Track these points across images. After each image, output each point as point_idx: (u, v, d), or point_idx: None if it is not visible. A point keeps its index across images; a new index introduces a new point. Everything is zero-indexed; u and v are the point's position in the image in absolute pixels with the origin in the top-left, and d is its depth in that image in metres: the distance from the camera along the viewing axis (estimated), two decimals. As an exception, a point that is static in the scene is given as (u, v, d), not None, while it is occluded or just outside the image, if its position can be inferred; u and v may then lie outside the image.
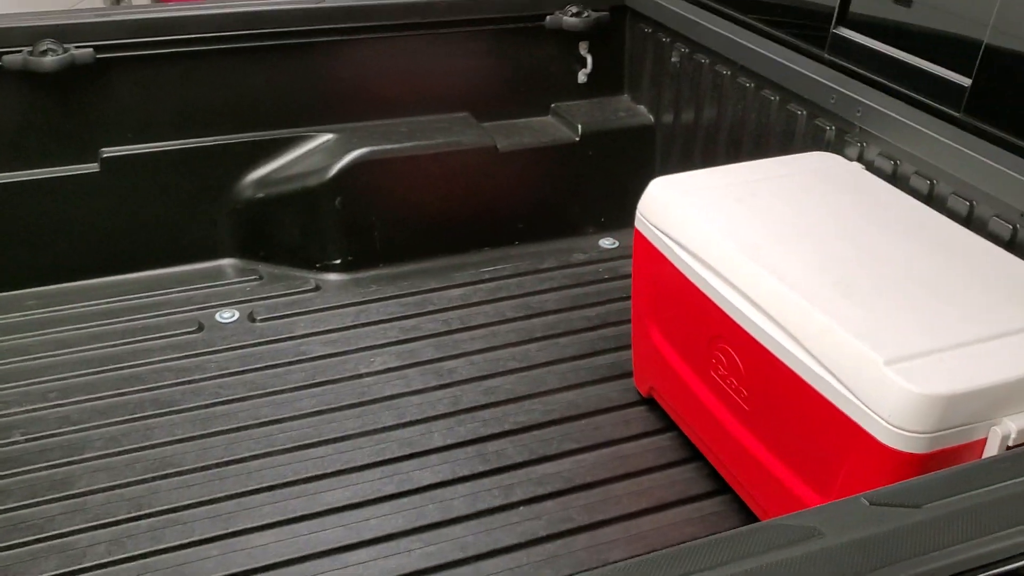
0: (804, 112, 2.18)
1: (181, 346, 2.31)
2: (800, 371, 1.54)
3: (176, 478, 1.93)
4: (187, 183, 2.54)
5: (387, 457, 1.99)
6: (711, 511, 1.86)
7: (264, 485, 1.92)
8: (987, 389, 1.37)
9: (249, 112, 2.55)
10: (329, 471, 1.95)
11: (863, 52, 2.04)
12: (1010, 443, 1.38)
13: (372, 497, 1.89)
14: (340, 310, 2.47)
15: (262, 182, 2.58)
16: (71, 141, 2.42)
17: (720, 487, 1.91)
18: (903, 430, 1.36)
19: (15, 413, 2.08)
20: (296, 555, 1.76)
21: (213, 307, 2.46)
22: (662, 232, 1.89)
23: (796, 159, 2.05)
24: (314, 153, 2.60)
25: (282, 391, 2.18)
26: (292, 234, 2.62)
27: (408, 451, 2.00)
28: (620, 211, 2.86)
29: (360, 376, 2.23)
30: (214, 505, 1.87)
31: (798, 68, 2.14)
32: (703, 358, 1.84)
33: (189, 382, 2.19)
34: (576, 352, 2.32)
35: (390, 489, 1.91)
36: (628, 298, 2.51)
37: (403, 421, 2.08)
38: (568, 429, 2.08)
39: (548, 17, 2.71)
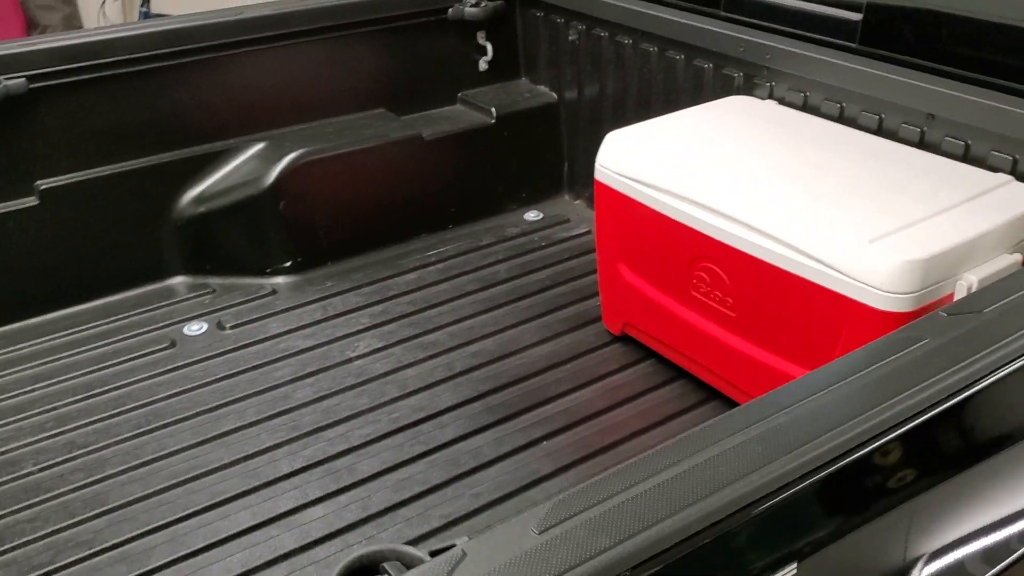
0: (711, 65, 2.46)
1: (161, 362, 2.32)
2: (790, 267, 1.79)
3: (207, 478, 1.96)
4: (127, 207, 2.54)
5: (404, 424, 2.10)
6: (712, 414, 2.09)
7: (297, 468, 1.98)
8: (951, 250, 1.66)
9: (178, 129, 2.57)
10: (355, 444, 2.04)
11: (757, 5, 2.34)
12: (972, 292, 1.68)
13: (404, 459, 2.00)
14: (306, 307, 2.54)
15: (201, 197, 2.61)
16: (6, 176, 2.37)
17: (710, 395, 2.15)
18: (894, 293, 1.63)
19: (17, 448, 2.05)
20: (354, 519, 1.84)
21: (178, 323, 2.47)
22: (627, 177, 2.10)
23: (719, 104, 2.32)
24: (248, 162, 2.65)
25: (278, 385, 2.24)
26: (238, 244, 2.66)
27: (422, 415, 2.12)
28: (536, 186, 3.08)
29: (350, 360, 2.32)
30: (256, 493, 1.92)
31: (705, 26, 2.42)
32: (682, 281, 2.07)
33: (183, 392, 2.21)
34: (541, 311, 2.50)
35: (419, 449, 2.02)
36: (571, 259, 2.74)
37: (407, 391, 2.20)
38: (558, 374, 2.26)
39: (450, 9, 2.88)
